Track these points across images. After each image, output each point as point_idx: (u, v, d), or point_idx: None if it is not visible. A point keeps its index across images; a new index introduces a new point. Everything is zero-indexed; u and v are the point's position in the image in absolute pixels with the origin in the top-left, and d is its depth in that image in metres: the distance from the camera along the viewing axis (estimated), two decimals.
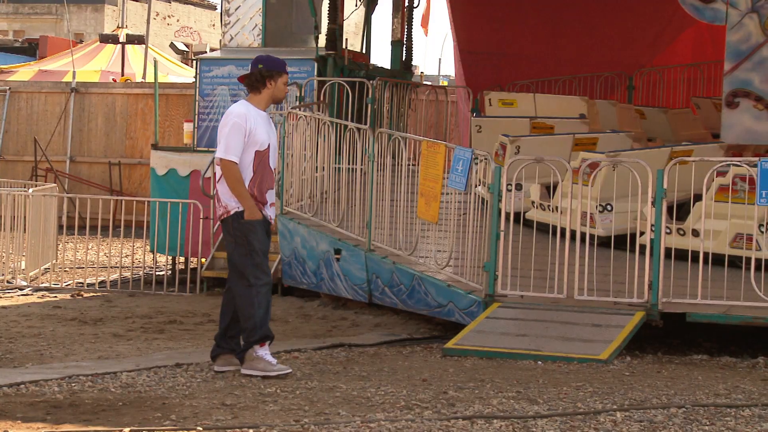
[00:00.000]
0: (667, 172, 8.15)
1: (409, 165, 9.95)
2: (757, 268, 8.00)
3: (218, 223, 7.16)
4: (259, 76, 6.90)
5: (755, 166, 7.99)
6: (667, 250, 8.24)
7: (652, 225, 8.21)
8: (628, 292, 8.24)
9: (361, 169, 10.62)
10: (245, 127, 6.81)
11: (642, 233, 8.76)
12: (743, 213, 8.88)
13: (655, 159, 9.85)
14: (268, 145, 6.95)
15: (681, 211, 9.99)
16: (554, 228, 8.62)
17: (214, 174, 7.02)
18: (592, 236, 8.83)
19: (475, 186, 9.05)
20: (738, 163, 8.91)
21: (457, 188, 8.77)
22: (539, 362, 7.47)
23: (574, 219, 8.64)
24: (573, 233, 8.49)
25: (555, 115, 13.40)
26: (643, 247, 8.26)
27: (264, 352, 6.89)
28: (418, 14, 17.19)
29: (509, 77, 16.27)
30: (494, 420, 5.73)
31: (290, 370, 6.96)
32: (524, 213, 10.88)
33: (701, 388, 6.66)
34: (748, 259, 8.15)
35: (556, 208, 9.79)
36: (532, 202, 10.95)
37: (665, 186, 8.11)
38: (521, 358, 7.60)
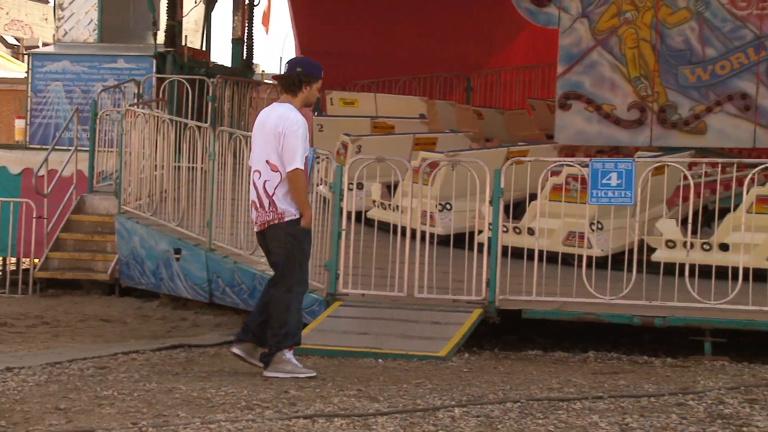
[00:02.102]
0: (504, 171, 8.34)
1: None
2: (589, 265, 8.27)
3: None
4: (297, 80, 6.84)
5: (587, 166, 8.26)
6: (504, 249, 8.44)
7: (489, 224, 8.38)
8: (467, 290, 8.39)
9: (202, 167, 10.50)
10: (306, 134, 6.82)
11: (480, 232, 8.95)
12: (575, 212, 9.17)
13: (492, 159, 10.07)
14: None
15: (517, 210, 10.25)
16: (395, 227, 8.71)
17: (255, 180, 6.81)
18: (432, 235, 8.96)
19: (317, 185, 9.06)
20: (570, 164, 9.19)
21: None
22: (380, 360, 7.53)
23: (414, 218, 8.74)
24: (413, 232, 8.59)
25: (395, 115, 13.54)
26: (481, 245, 8.44)
27: (291, 355, 6.85)
28: (258, 12, 17.05)
29: (350, 77, 16.36)
30: (335, 418, 5.75)
31: (315, 374, 6.81)
32: (365, 212, 10.95)
33: (536, 382, 6.84)
34: (580, 257, 8.42)
35: (397, 207, 9.89)
36: (373, 201, 11.04)
37: (502, 185, 8.29)
38: (362, 357, 7.64)
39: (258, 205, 6.82)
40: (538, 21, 12.70)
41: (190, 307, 10.53)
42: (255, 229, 6.97)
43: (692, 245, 8.66)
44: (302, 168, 6.73)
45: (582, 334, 8.78)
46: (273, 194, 6.76)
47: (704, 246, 8.93)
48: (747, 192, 8.65)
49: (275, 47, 62.40)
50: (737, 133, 12.01)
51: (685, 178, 8.85)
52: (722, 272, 8.29)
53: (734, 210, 8.98)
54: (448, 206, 10.22)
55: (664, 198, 9.30)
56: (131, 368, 7.24)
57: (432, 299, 8.44)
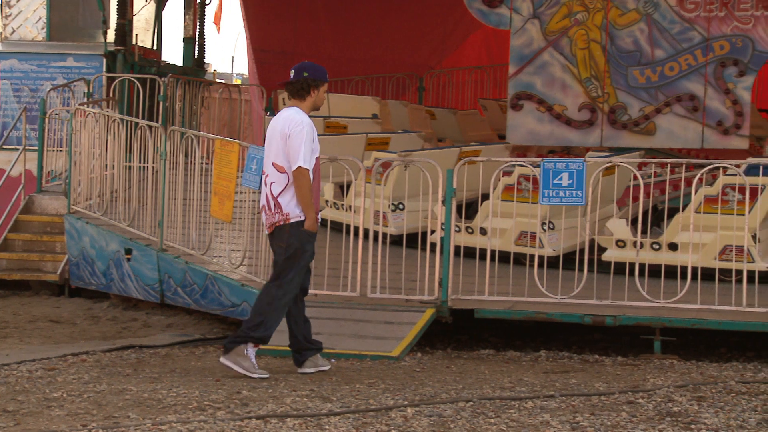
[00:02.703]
0: (457, 171, 8.37)
1: (202, 163, 9.83)
2: (540, 265, 8.32)
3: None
4: (306, 85, 6.92)
5: (538, 166, 8.31)
6: (457, 248, 8.46)
7: (442, 223, 8.41)
8: (420, 290, 8.41)
9: (153, 167, 10.43)
10: (313, 135, 6.86)
11: (433, 232, 8.97)
12: (527, 211, 9.22)
13: (445, 159, 10.10)
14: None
15: (470, 210, 10.29)
16: (348, 227, 8.70)
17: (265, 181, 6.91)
18: (384, 235, 8.96)
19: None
20: (522, 164, 9.24)
21: (251, 187, 8.72)
22: (333, 360, 7.52)
23: (367, 218, 8.74)
24: (366, 232, 8.60)
25: (348, 115, 13.53)
26: (433, 245, 8.46)
27: (253, 352, 6.86)
28: (210, 11, 16.99)
29: None
30: (288, 419, 5.74)
31: (268, 375, 6.85)
32: (318, 212, 10.92)
33: (488, 381, 6.87)
34: (532, 257, 8.47)
35: (350, 207, 9.89)
36: (326, 201, 11.03)
37: (455, 185, 8.32)
38: None
39: (267, 208, 6.92)
40: (489, 22, 12.75)
41: (141, 307, 10.45)
42: (266, 232, 7.05)
43: (642, 245, 8.74)
44: (306, 167, 6.77)
45: (534, 333, 8.84)
46: (278, 196, 6.84)
47: (654, 245, 9.02)
48: (695, 192, 8.75)
49: (227, 46, 62.10)
50: (685, 133, 12.14)
51: (635, 178, 8.94)
52: (671, 271, 8.39)
53: (683, 210, 9.08)
54: (400, 206, 10.24)
55: (615, 198, 9.38)
56: (81, 369, 7.17)
57: (385, 299, 8.44)
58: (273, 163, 6.86)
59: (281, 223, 6.85)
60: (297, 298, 7.05)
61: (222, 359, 6.89)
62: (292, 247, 6.84)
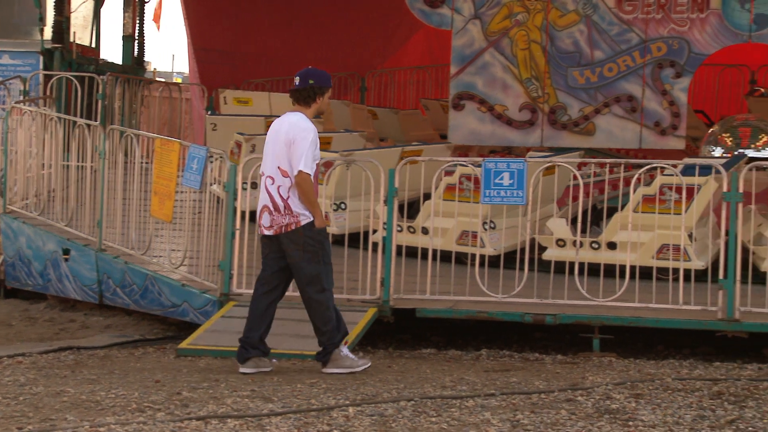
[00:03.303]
0: (398, 171, 8.38)
1: (142, 163, 9.75)
2: (482, 264, 8.36)
3: (266, 232, 7.13)
4: (312, 92, 7.11)
5: (480, 166, 8.35)
6: (399, 248, 8.47)
7: (384, 223, 8.41)
8: (361, 289, 8.41)
9: (92, 166, 10.31)
10: (317, 142, 7.07)
11: (374, 231, 8.97)
12: (469, 211, 9.26)
13: (386, 158, 10.11)
14: None
15: (412, 209, 10.31)
16: None
17: (271, 187, 7.06)
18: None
19: (211, 184, 8.97)
20: (464, 163, 9.28)
21: (191, 186, 8.67)
22: (274, 360, 7.50)
23: None
24: None
25: None
26: (375, 244, 8.46)
27: (347, 349, 7.14)
28: (150, 9, 16.82)
29: (244, 75, 16.25)
30: (228, 419, 5.71)
31: (370, 363, 7.18)
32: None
33: (429, 380, 6.89)
34: (474, 256, 8.51)
35: None
36: None
37: (396, 185, 8.33)
38: None
39: (273, 209, 7.05)
40: (431, 22, 12.79)
41: (79, 308, 10.32)
42: (265, 233, 7.14)
43: (581, 244, 8.82)
44: (308, 172, 6.98)
45: (475, 332, 8.88)
46: (288, 197, 7.02)
47: (593, 245, 9.11)
48: (634, 192, 8.86)
49: (167, 44, 61.63)
50: (624, 134, 12.27)
51: (575, 178, 9.03)
52: (610, 270, 8.48)
53: (621, 209, 9.18)
54: (342, 206, 10.23)
55: (555, 197, 9.45)
56: (17, 371, 7.07)
57: None
58: (279, 167, 7.04)
59: (293, 225, 7.03)
60: (276, 297, 7.21)
61: (325, 370, 7.09)
62: (311, 247, 7.05)
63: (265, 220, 7.11)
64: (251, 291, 8.47)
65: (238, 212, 8.48)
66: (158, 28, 19.63)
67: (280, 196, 7.03)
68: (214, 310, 8.43)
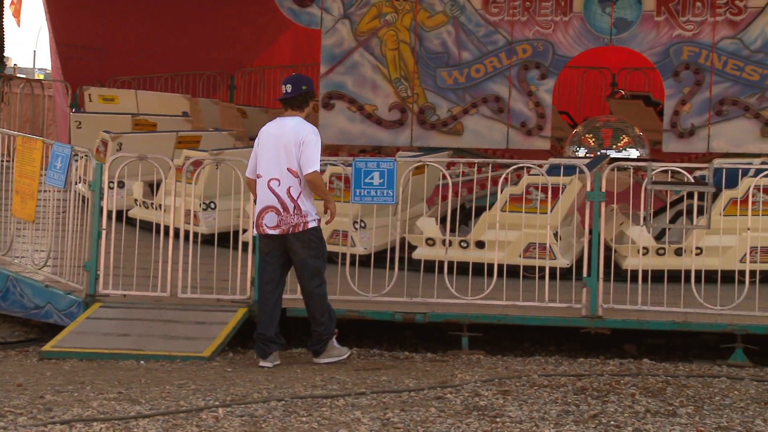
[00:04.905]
0: None
1: (2, 161, 9.47)
2: (352, 263, 8.40)
3: (265, 232, 7.40)
4: (306, 97, 7.49)
5: (350, 165, 8.38)
6: None
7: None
8: (231, 289, 8.35)
9: None
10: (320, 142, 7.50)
11: (245, 231, 8.91)
12: (340, 210, 9.22)
13: None
14: None
15: None
16: (158, 226, 8.56)
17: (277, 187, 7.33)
18: (196, 234, 8.85)
19: (75, 183, 8.79)
20: (334, 163, 9.30)
21: (55, 185, 8.48)
22: (142, 362, 7.39)
23: (177, 217, 8.62)
24: (177, 231, 8.47)
25: (157, 113, 13.30)
26: (245, 244, 8.41)
27: (335, 340, 7.60)
28: (8, 3, 16.34)
29: (110, 72, 15.94)
30: (94, 423, 5.59)
31: (350, 352, 7.66)
32: (127, 211, 10.70)
33: (300, 380, 6.88)
34: (344, 255, 8.53)
35: (160, 206, 9.72)
36: (135, 200, 10.80)
37: None
38: (123, 359, 7.47)
39: (281, 210, 7.37)
40: (300, 21, 12.77)
41: None
42: (269, 233, 7.38)
43: (451, 243, 8.94)
44: (319, 171, 7.43)
45: (346, 331, 8.89)
46: (298, 198, 7.36)
47: (462, 244, 9.23)
48: (501, 191, 9.02)
49: (29, 40, 59.92)
50: (492, 134, 12.48)
51: (444, 177, 9.14)
52: (479, 269, 8.61)
53: (489, 209, 9.33)
54: (212, 205, 10.14)
55: (425, 197, 9.55)
56: None
57: (196, 299, 8.34)
58: (288, 169, 7.35)
59: (301, 226, 7.38)
60: (281, 291, 7.58)
61: (318, 360, 7.51)
62: (315, 244, 7.45)
63: (269, 220, 7.39)
64: (119, 292, 8.35)
65: (105, 211, 8.33)
66: (18, 24, 19.10)
67: (290, 196, 7.35)
68: (80, 311, 8.25)
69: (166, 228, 8.43)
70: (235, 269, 8.34)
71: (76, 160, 8.81)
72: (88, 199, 8.48)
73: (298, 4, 12.62)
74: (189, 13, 16.65)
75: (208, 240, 9.50)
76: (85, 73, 15.71)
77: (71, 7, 15.98)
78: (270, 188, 7.38)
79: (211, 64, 16.73)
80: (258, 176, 7.47)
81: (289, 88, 7.46)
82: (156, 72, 16.18)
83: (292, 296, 8.28)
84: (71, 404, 6.04)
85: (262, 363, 7.46)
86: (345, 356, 7.62)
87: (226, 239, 9.25)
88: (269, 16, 16.01)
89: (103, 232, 8.31)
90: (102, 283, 8.33)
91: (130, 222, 10.51)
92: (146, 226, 9.46)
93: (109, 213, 8.44)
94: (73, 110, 14.20)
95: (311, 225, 7.41)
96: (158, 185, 10.47)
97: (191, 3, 16.49)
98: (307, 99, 7.50)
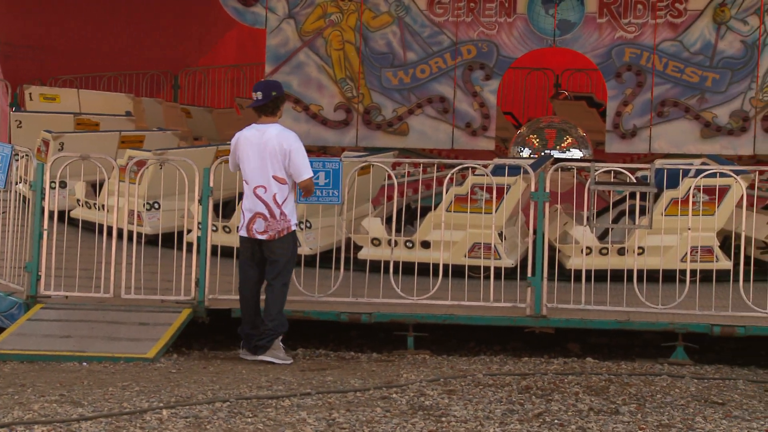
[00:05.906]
0: (213, 170, 8.31)
1: None
2: (298, 263, 8.35)
3: (255, 236, 7.55)
4: (277, 102, 7.64)
5: None
6: (214, 248, 8.40)
7: (199, 223, 8.32)
8: (176, 290, 8.30)
9: None
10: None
11: (189, 231, 8.86)
12: None
13: (201, 158, 10.00)
14: None
15: (227, 208, 10.22)
16: (101, 226, 8.48)
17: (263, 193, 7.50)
18: (139, 234, 8.78)
19: (16, 183, 8.68)
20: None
21: None
22: (84, 363, 7.31)
23: (121, 217, 8.55)
24: (120, 232, 8.40)
25: (100, 112, 13.17)
26: (190, 244, 8.36)
27: (280, 342, 7.69)
28: None
29: (51, 71, 15.76)
30: (35, 425, 5.53)
31: (292, 361, 7.65)
32: (69, 211, 10.59)
33: (245, 381, 6.86)
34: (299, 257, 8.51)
35: (103, 206, 9.63)
36: (78, 200, 10.69)
37: (211, 184, 8.26)
38: (65, 360, 7.39)
39: (268, 216, 7.53)
40: (245, 20, 12.72)
41: None
42: (258, 237, 7.52)
43: (396, 243, 8.95)
44: (312, 175, 7.66)
45: (291, 331, 8.87)
46: (283, 204, 7.54)
47: (407, 244, 9.26)
48: (446, 191, 9.05)
49: None
50: (437, 134, 12.52)
51: (389, 177, 9.15)
52: (424, 269, 8.63)
53: (435, 209, 9.36)
54: (156, 205, 10.06)
55: (370, 197, 9.56)
56: None
57: (139, 300, 8.28)
58: (274, 176, 7.50)
59: (285, 231, 7.56)
60: (260, 287, 7.70)
61: (262, 357, 7.56)
62: (292, 250, 7.65)
63: (259, 225, 7.54)
64: (61, 293, 8.27)
65: (46, 212, 8.23)
66: None
67: (276, 203, 7.52)
68: (21, 313, 8.16)
69: (109, 228, 8.36)
70: (179, 270, 8.29)
71: (17, 160, 8.70)
72: (29, 200, 8.38)
73: (242, 3, 12.56)
74: (133, 12, 16.51)
75: (151, 240, 9.42)
76: (26, 72, 15.52)
77: (11, 6, 15.77)
78: (257, 195, 7.54)
79: (155, 64, 16.61)
80: (245, 182, 7.62)
81: (259, 95, 7.58)
82: (99, 71, 16.03)
83: (236, 297, 8.25)
84: (12, 407, 5.96)
85: (256, 357, 7.65)
86: (288, 362, 7.61)
87: (170, 240, 9.18)
88: (214, 15, 15.92)
89: (45, 233, 8.22)
90: (43, 284, 8.24)
91: (73, 222, 10.40)
92: (89, 227, 9.37)
93: (51, 213, 8.35)
94: (14, 109, 14.01)
95: (293, 228, 7.62)
96: (101, 185, 10.37)
97: (135, 2, 16.36)
98: (278, 104, 7.63)
